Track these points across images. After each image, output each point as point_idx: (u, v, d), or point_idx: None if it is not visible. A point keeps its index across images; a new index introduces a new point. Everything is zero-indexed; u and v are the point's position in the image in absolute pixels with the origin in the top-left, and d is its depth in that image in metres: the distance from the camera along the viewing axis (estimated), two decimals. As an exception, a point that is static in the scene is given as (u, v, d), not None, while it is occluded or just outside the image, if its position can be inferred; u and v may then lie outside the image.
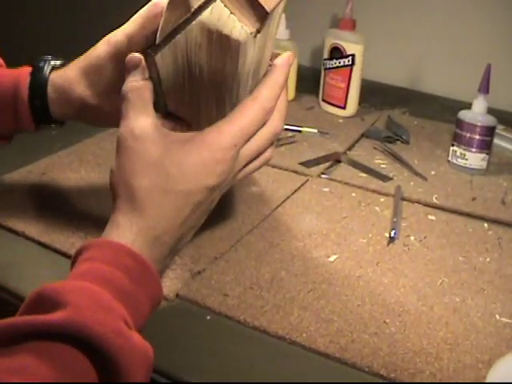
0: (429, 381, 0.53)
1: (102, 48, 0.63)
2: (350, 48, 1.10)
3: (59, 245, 0.67)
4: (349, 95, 1.13)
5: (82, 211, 0.74)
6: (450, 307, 0.62)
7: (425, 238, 0.75)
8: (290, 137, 1.01)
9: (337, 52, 1.11)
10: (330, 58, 1.13)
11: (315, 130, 1.05)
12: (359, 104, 1.15)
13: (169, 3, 0.53)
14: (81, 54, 0.66)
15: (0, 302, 0.62)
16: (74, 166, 0.86)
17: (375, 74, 1.32)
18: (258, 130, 0.56)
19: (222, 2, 0.50)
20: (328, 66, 1.14)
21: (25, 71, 0.67)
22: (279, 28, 1.17)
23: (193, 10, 0.50)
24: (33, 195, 0.77)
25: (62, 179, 0.82)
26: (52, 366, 0.40)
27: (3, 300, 0.62)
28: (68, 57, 0.69)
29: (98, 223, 0.71)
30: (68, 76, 0.66)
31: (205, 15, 0.50)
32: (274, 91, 0.57)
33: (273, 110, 0.57)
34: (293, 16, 1.19)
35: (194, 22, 0.51)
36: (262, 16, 0.51)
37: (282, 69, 0.58)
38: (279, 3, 0.53)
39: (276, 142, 0.60)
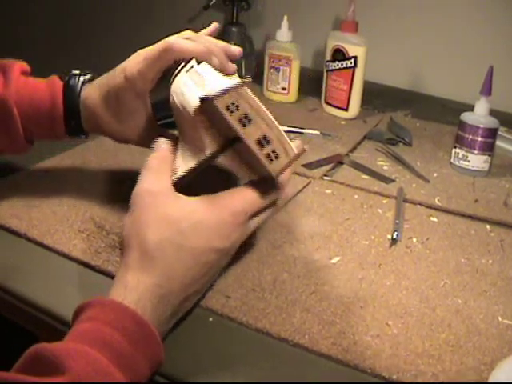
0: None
1: (119, 80, 0.66)
2: (352, 50, 1.10)
3: (61, 247, 0.67)
4: (351, 97, 1.13)
5: (85, 213, 0.74)
6: (452, 309, 0.62)
7: (427, 239, 0.75)
8: (293, 139, 1.00)
9: (339, 54, 1.12)
10: (333, 60, 1.13)
11: (318, 132, 1.05)
12: (361, 106, 1.16)
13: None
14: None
15: (2, 305, 0.62)
16: (76, 168, 0.86)
17: (377, 76, 1.32)
18: (268, 204, 0.60)
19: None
20: (330, 68, 1.14)
21: (58, 87, 0.70)
22: (282, 30, 1.18)
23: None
24: (35, 196, 0.77)
25: (64, 181, 0.82)
26: None
27: (5, 302, 0.62)
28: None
29: (100, 224, 0.72)
30: (94, 101, 0.69)
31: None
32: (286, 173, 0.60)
33: (284, 188, 0.61)
34: (295, 18, 1.20)
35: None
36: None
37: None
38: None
39: None
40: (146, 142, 0.67)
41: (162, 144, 0.63)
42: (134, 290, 0.52)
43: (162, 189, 0.57)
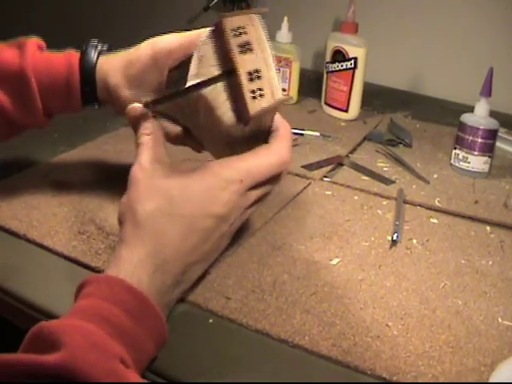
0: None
1: (145, 51, 0.66)
2: (352, 51, 1.10)
3: (61, 248, 0.67)
4: (351, 98, 1.13)
5: (85, 214, 0.74)
6: (452, 310, 0.62)
7: (427, 241, 0.75)
8: (293, 140, 1.01)
9: (339, 55, 1.12)
10: (333, 62, 1.13)
11: (317, 133, 1.05)
12: (361, 107, 1.16)
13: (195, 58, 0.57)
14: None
15: (1, 306, 0.62)
16: (76, 169, 0.86)
17: (377, 77, 1.33)
18: (270, 176, 0.59)
19: (224, 88, 0.55)
20: (330, 70, 1.14)
21: (75, 58, 0.70)
22: (282, 31, 1.18)
23: (197, 81, 0.56)
24: (35, 198, 0.77)
25: (64, 182, 0.82)
26: None
27: (5, 303, 0.62)
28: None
29: (100, 226, 0.72)
30: (110, 66, 0.69)
31: (206, 90, 0.55)
32: (284, 142, 0.60)
33: (284, 158, 0.60)
34: (295, 19, 1.20)
35: (194, 93, 0.56)
36: (246, 120, 0.55)
37: (287, 129, 0.62)
38: (265, 111, 0.57)
39: None
40: None
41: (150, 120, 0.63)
42: (128, 262, 0.52)
43: (153, 163, 0.58)
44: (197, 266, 0.57)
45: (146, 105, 0.61)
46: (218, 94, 0.55)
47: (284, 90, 1.21)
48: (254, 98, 0.54)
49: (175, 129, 0.69)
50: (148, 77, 0.67)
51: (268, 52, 0.56)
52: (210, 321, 0.59)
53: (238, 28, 0.54)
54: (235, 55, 0.54)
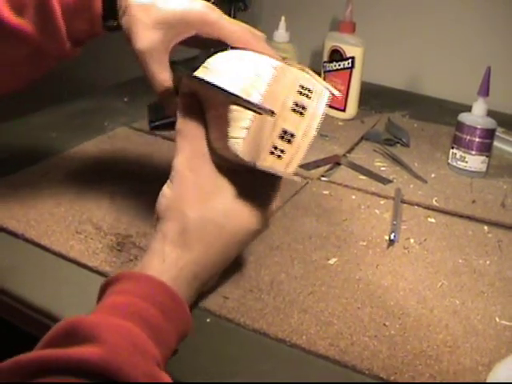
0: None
1: (180, 10, 0.60)
2: (349, 51, 1.10)
3: (59, 248, 0.67)
4: (349, 98, 1.13)
5: (82, 214, 0.74)
6: (449, 310, 0.62)
7: (425, 240, 0.75)
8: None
9: (337, 55, 1.12)
10: (330, 61, 1.13)
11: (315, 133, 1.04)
12: (359, 106, 1.16)
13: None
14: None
15: None
16: (74, 169, 0.86)
17: (375, 77, 1.32)
18: None
19: (252, 120, 0.53)
20: (328, 69, 1.14)
21: None
22: (279, 31, 1.18)
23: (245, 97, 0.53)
24: (33, 197, 0.77)
25: (62, 181, 0.82)
26: None
27: (2, 303, 0.62)
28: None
29: (98, 225, 0.71)
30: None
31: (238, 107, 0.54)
32: None
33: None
34: (293, 18, 1.20)
35: (230, 98, 0.54)
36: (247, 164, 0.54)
37: None
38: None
39: None
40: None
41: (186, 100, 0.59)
42: (174, 265, 0.52)
43: (200, 163, 0.56)
44: (218, 274, 0.59)
45: (188, 77, 0.57)
46: (242, 118, 0.53)
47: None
48: (272, 153, 0.53)
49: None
50: (174, 29, 0.61)
51: (312, 131, 0.54)
52: (208, 320, 0.59)
53: (307, 89, 0.54)
54: (286, 108, 0.54)
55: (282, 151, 0.53)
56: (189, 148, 0.57)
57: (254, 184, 0.56)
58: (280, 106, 0.54)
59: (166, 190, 0.57)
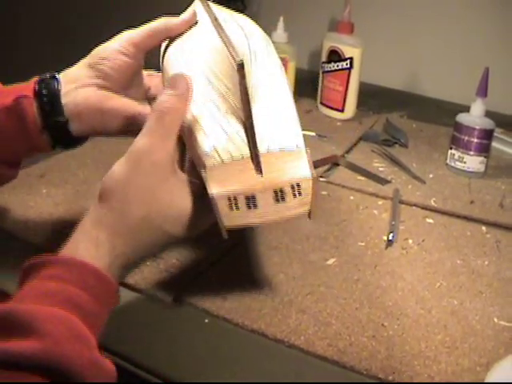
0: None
1: (109, 43, 0.64)
2: (348, 51, 1.10)
3: (56, 247, 0.67)
4: (347, 98, 1.13)
5: (80, 214, 0.74)
6: (448, 310, 0.62)
7: (423, 241, 0.75)
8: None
9: (335, 55, 1.12)
10: (328, 62, 1.13)
11: (313, 133, 1.05)
12: (357, 107, 1.16)
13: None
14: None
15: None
16: (72, 169, 0.86)
17: (373, 77, 1.32)
18: None
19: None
20: (326, 70, 1.14)
21: (27, 87, 0.61)
22: (278, 31, 1.18)
23: None
24: (31, 198, 0.77)
25: (60, 182, 0.82)
26: None
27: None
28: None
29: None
30: (77, 72, 0.63)
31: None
32: None
33: None
34: (291, 19, 1.19)
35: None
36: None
37: None
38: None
39: None
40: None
41: (182, 83, 0.55)
42: (108, 254, 0.51)
43: (162, 158, 0.52)
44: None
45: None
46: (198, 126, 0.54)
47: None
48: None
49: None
50: (123, 66, 0.63)
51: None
52: (206, 321, 0.59)
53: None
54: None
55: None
56: (156, 138, 0.52)
57: (203, 197, 0.53)
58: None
59: (118, 168, 0.53)
